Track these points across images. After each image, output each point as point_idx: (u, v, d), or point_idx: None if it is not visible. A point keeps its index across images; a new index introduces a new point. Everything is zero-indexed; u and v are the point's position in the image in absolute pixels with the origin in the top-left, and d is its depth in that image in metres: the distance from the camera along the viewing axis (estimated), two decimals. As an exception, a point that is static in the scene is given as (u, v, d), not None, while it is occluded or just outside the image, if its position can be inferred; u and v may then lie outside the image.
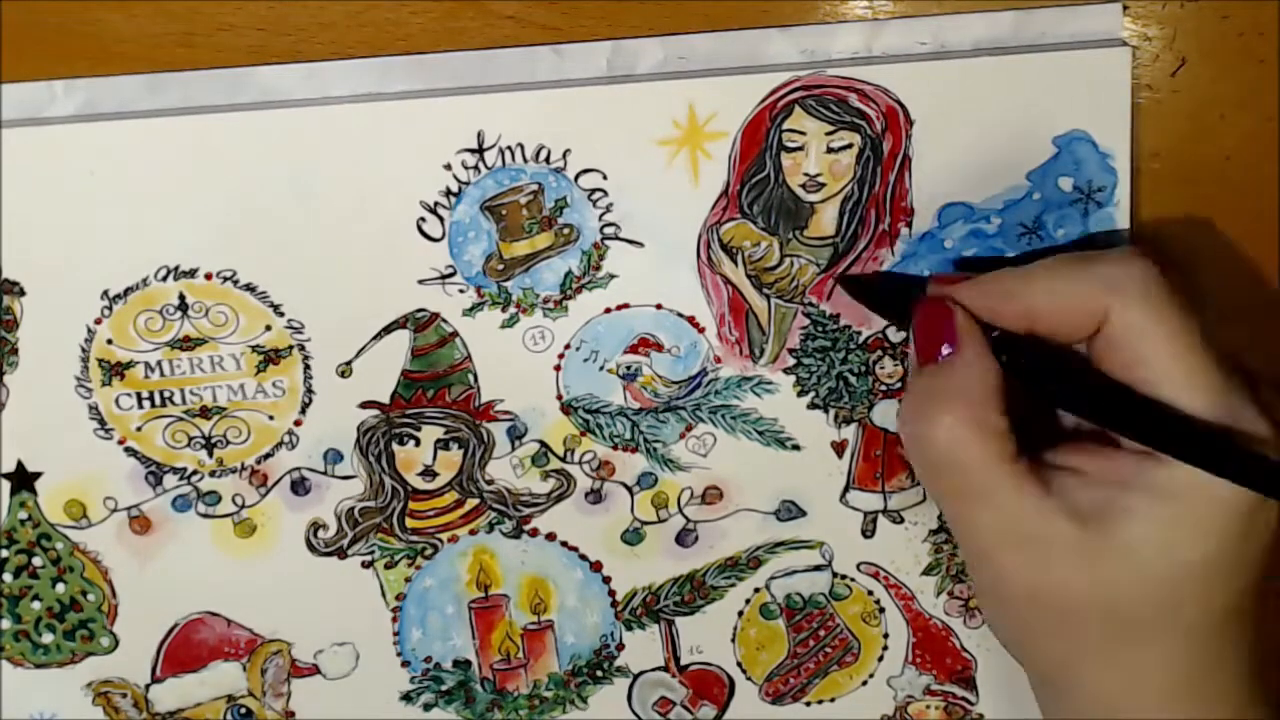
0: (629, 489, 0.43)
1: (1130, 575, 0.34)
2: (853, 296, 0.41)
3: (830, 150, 0.40)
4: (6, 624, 0.44)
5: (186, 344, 0.41)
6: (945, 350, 0.36)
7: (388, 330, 0.41)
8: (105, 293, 0.41)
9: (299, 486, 0.43)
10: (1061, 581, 0.35)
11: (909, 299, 0.39)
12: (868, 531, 0.44)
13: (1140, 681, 0.35)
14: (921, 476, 0.37)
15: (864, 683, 0.46)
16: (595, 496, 0.43)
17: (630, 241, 0.41)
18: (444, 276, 0.41)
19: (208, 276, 0.41)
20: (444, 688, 0.45)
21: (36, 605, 0.44)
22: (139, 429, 0.42)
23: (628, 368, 0.42)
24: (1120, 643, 0.35)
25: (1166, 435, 0.34)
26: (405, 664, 0.45)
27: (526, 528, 0.44)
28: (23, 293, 0.41)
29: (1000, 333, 0.36)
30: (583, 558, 0.44)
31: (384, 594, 0.44)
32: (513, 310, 0.41)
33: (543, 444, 0.43)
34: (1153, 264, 0.35)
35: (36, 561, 0.43)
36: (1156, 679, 0.35)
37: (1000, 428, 0.35)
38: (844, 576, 0.45)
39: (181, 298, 0.41)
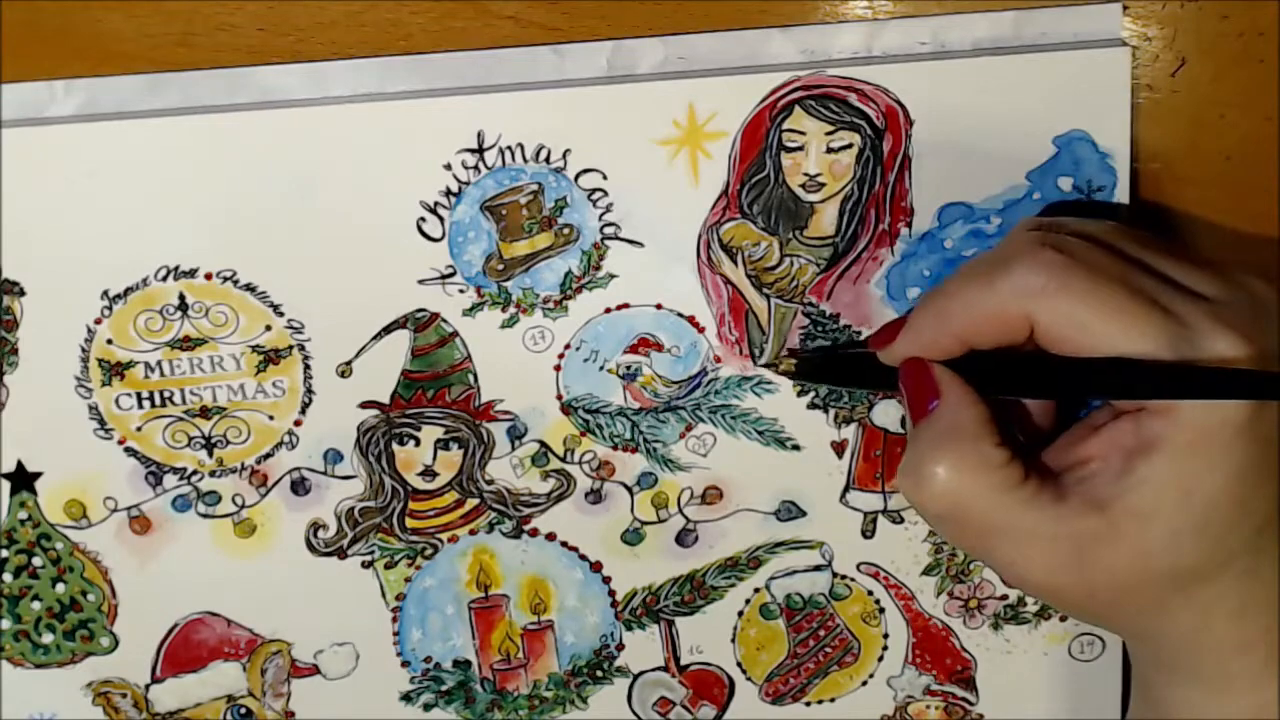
0: (629, 489, 0.43)
1: (1166, 534, 0.34)
2: (808, 380, 0.42)
3: (830, 150, 0.40)
4: (6, 624, 0.44)
5: (186, 344, 0.41)
6: (932, 404, 0.36)
7: (388, 330, 0.41)
8: (105, 293, 0.41)
9: (299, 486, 0.43)
10: (1107, 569, 0.35)
11: (869, 364, 0.39)
12: (868, 531, 0.44)
13: (1210, 612, 0.36)
14: (935, 527, 0.37)
15: (864, 683, 0.46)
16: (595, 496, 0.43)
17: (630, 241, 0.41)
18: (444, 276, 0.41)
19: (208, 276, 0.41)
20: (444, 688, 0.45)
21: (36, 605, 0.44)
22: (139, 429, 0.42)
23: (628, 368, 0.42)
24: (1182, 590, 0.35)
25: (1144, 383, 0.34)
26: (405, 664, 0.45)
27: (526, 528, 0.44)
28: (23, 293, 0.41)
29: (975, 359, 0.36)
30: (583, 558, 0.44)
31: (384, 594, 0.44)
32: (513, 310, 0.41)
33: (543, 444, 0.43)
34: (1057, 250, 0.34)
35: (36, 561, 0.43)
36: (1222, 608, 0.35)
37: (998, 460, 0.35)
38: (844, 576, 0.45)
39: (181, 298, 0.41)
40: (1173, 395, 0.33)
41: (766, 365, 0.42)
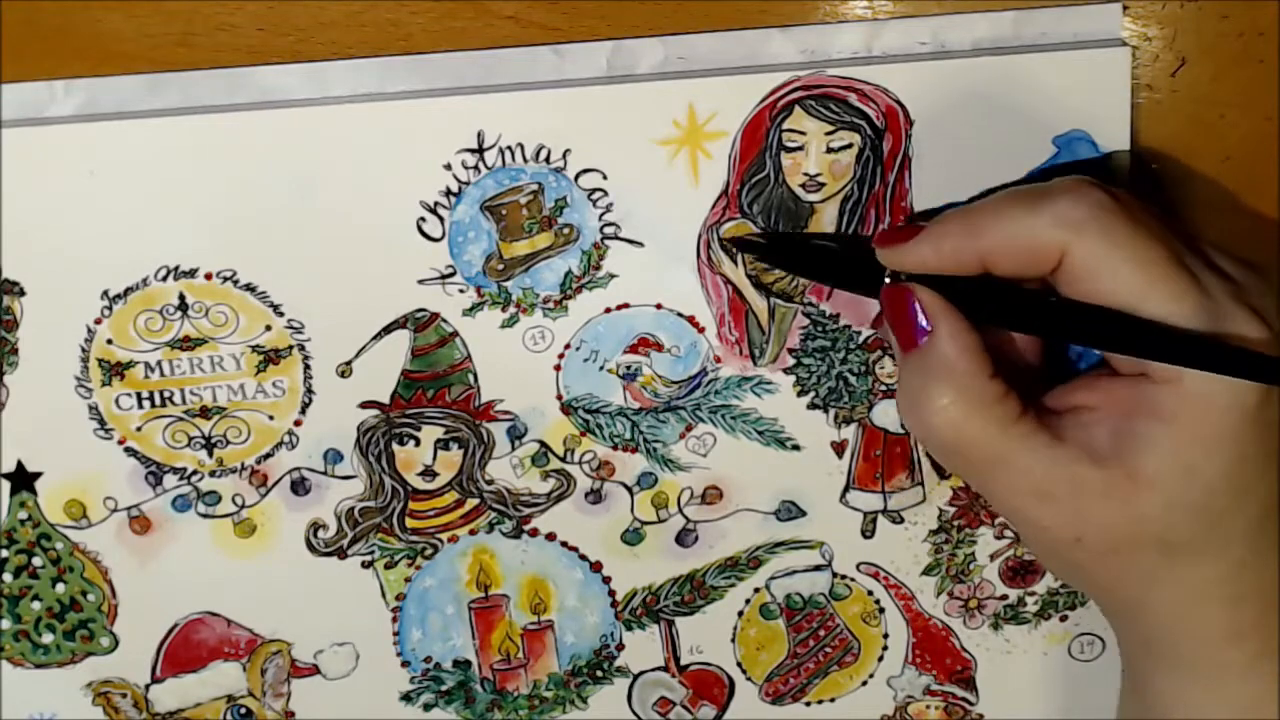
0: (629, 489, 0.43)
1: (1163, 504, 0.34)
2: (768, 261, 0.41)
3: (830, 150, 0.40)
4: (6, 624, 0.44)
5: (186, 344, 0.41)
6: (921, 332, 0.36)
7: (388, 330, 0.41)
8: (105, 293, 0.41)
9: (299, 486, 0.43)
10: (1101, 524, 0.35)
11: (846, 264, 0.39)
12: (867, 531, 0.44)
13: (1201, 595, 0.35)
14: (942, 462, 0.37)
15: (864, 683, 0.46)
16: (595, 496, 0.43)
17: (630, 241, 0.41)
18: (444, 276, 0.41)
19: (208, 276, 0.41)
20: (444, 688, 0.45)
21: (36, 605, 0.44)
22: (139, 429, 0.42)
23: (628, 368, 0.42)
24: (1173, 564, 0.35)
25: (1156, 344, 0.33)
26: (405, 664, 0.45)
27: (526, 528, 0.44)
28: (23, 293, 0.41)
29: (975, 285, 0.36)
30: (583, 558, 0.44)
31: (384, 594, 0.44)
32: (513, 310, 0.41)
33: (543, 444, 0.43)
34: (1105, 192, 0.34)
35: (36, 561, 0.43)
36: (1216, 590, 0.35)
37: (996, 394, 0.35)
38: (844, 576, 0.45)
39: (181, 298, 0.41)
40: (1189, 364, 0.33)
41: (733, 241, 0.41)
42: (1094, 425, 0.35)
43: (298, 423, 0.42)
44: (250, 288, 0.41)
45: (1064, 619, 0.45)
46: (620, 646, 0.45)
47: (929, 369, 0.35)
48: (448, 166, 0.40)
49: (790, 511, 0.44)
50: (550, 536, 0.44)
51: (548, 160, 0.40)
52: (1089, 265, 0.34)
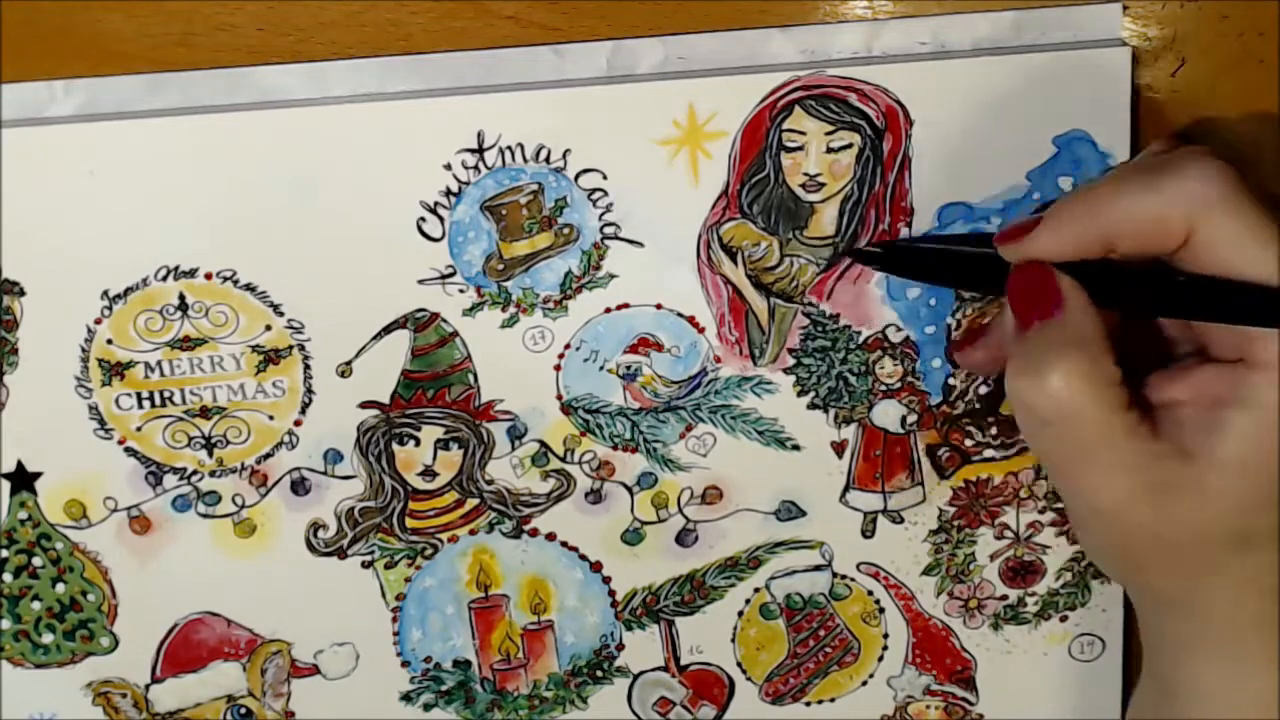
0: (629, 489, 0.43)
1: (1245, 492, 0.34)
2: (890, 272, 0.41)
3: (830, 150, 0.40)
4: (6, 624, 0.44)
5: (186, 344, 0.41)
6: (1055, 310, 0.35)
7: (388, 330, 0.41)
8: (105, 293, 0.41)
9: (299, 486, 0.43)
10: (1185, 518, 0.35)
11: (966, 264, 0.39)
12: (867, 531, 0.44)
13: (1248, 586, 0.35)
14: (1032, 434, 0.36)
15: (864, 683, 0.46)
16: (595, 496, 0.43)
17: (630, 241, 0.41)
18: (444, 276, 0.41)
19: (208, 276, 0.41)
20: (444, 688, 0.45)
21: (36, 605, 0.44)
22: (139, 429, 0.42)
23: (628, 368, 0.42)
24: (1240, 553, 0.35)
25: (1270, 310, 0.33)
26: (405, 664, 0.45)
27: (526, 528, 0.44)
28: (23, 293, 0.41)
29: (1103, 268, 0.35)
30: (583, 558, 0.44)
31: (384, 594, 0.44)
32: (513, 310, 0.41)
33: (543, 444, 0.43)
34: (1228, 165, 0.34)
35: (36, 561, 0.43)
36: (1259, 582, 0.35)
37: (1115, 377, 0.34)
38: (844, 576, 0.45)
39: (181, 298, 0.41)
40: None
41: (847, 252, 0.41)
42: (1185, 422, 0.35)
43: (298, 423, 0.42)
44: (250, 288, 0.41)
45: (1064, 619, 0.45)
46: (620, 646, 0.45)
47: (1058, 338, 0.35)
48: (448, 166, 0.40)
49: (790, 511, 0.44)
50: (550, 536, 0.44)
51: (548, 160, 0.40)
52: (1217, 243, 0.33)
